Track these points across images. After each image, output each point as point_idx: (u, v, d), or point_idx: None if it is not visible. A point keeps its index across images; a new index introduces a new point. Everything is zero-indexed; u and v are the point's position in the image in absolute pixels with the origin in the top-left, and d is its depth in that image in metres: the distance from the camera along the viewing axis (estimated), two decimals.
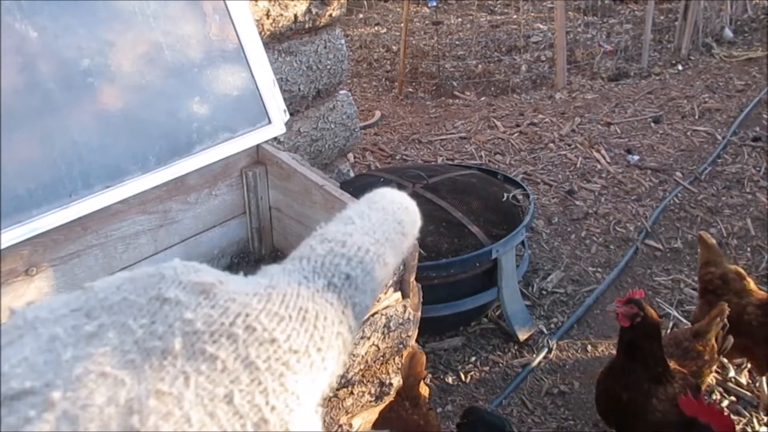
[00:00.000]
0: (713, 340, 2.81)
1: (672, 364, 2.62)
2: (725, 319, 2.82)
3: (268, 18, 3.34)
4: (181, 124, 2.51)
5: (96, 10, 2.31)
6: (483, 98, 6.87)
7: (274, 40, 3.49)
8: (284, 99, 3.16)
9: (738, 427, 2.98)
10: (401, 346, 2.65)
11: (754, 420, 3.01)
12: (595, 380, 2.83)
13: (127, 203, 2.46)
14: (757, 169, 5.00)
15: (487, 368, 3.37)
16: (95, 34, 2.30)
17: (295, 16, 3.49)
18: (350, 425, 2.69)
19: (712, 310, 2.84)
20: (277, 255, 3.03)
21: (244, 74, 2.72)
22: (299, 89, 3.61)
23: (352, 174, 4.34)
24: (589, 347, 3.48)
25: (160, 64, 2.46)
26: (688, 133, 5.62)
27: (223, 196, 2.83)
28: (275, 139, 3.21)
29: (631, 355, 2.55)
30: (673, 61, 7.30)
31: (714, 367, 2.90)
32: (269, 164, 2.86)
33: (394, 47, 8.21)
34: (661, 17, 8.27)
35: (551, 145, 5.54)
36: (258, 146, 2.84)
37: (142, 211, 2.54)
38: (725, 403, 3.10)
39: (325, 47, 3.76)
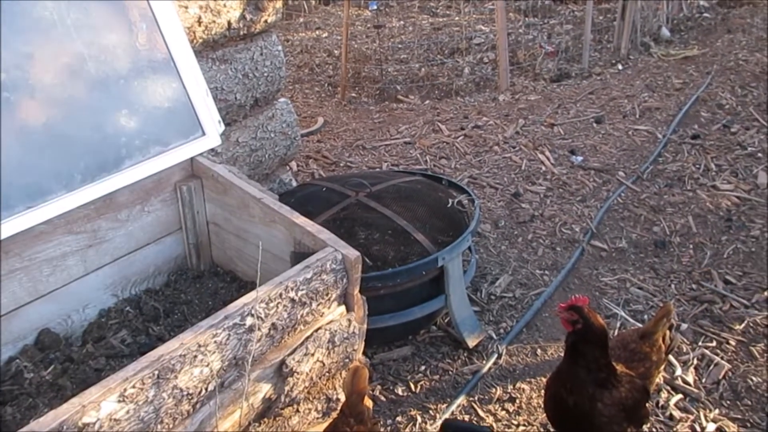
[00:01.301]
0: (660, 341, 2.80)
1: (619, 368, 2.60)
2: (672, 320, 2.82)
3: (200, 25, 3.24)
4: (108, 138, 2.40)
5: (11, 20, 2.19)
6: (427, 102, 6.85)
7: (208, 48, 3.39)
8: (220, 109, 3.06)
9: (686, 425, 3.00)
10: (347, 360, 2.58)
11: (702, 416, 3.03)
12: (544, 384, 2.81)
13: (52, 224, 2.34)
14: (697, 166, 5.07)
15: (437, 377, 3.32)
16: (11, 46, 2.17)
17: (229, 23, 3.39)
18: None
19: (659, 310, 2.84)
20: (216, 271, 2.93)
21: (174, 84, 2.62)
22: (236, 98, 3.51)
23: (294, 183, 4.25)
24: (539, 351, 3.46)
25: (84, 77, 2.35)
26: (630, 133, 5.69)
27: (156, 213, 2.72)
28: (211, 150, 3.11)
29: (575, 360, 2.53)
30: (613, 61, 7.40)
31: (662, 368, 2.90)
32: (204, 178, 2.76)
33: (336, 51, 8.15)
34: (600, 17, 8.38)
35: (496, 147, 5.54)
36: (192, 159, 2.74)
37: (69, 231, 2.41)
38: (673, 400, 3.11)
39: (262, 54, 3.67)
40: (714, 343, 3.42)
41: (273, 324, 2.21)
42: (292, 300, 2.25)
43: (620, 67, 7.27)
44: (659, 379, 3.19)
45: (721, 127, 5.65)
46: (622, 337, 2.88)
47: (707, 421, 3.01)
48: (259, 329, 2.14)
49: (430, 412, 3.12)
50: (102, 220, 2.51)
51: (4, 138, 2.12)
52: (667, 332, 2.84)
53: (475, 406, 3.14)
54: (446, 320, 3.59)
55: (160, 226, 2.75)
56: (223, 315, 2.08)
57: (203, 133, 2.69)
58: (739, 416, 3.03)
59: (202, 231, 2.87)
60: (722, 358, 3.33)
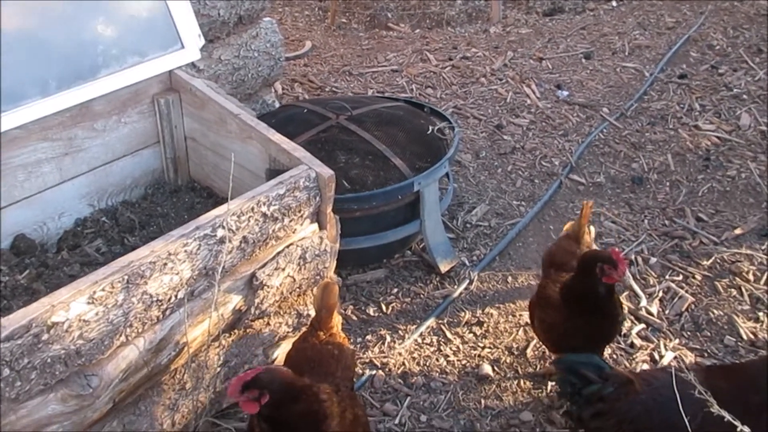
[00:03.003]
0: (588, 238, 3.02)
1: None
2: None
3: None
4: (84, 46, 2.39)
5: None
6: (417, 31, 6.77)
7: None
8: (202, 24, 3.03)
9: (646, 352, 3.10)
10: (318, 277, 2.64)
11: (662, 345, 3.13)
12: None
13: (27, 129, 2.35)
14: (681, 106, 5.07)
15: (408, 299, 3.40)
16: None
17: None
18: (267, 356, 2.69)
19: (581, 210, 2.98)
20: (193, 186, 2.95)
21: None
22: (219, 14, 3.46)
23: (277, 105, 4.24)
24: (510, 279, 3.54)
25: None
26: (617, 70, 5.66)
27: (133, 124, 2.72)
28: (193, 67, 3.10)
29: (608, 307, 2.66)
30: None
31: None
32: (183, 92, 2.75)
33: None
34: None
35: (483, 79, 5.51)
36: (171, 73, 2.73)
37: (44, 137, 2.42)
38: (636, 330, 3.20)
39: None
40: (680, 277, 3.51)
41: (244, 237, 2.25)
42: (264, 215, 2.28)
43: (614, 3, 7.17)
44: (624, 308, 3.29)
45: (709, 67, 5.62)
46: (561, 246, 3.02)
47: (666, 350, 3.12)
48: (230, 241, 2.19)
49: (399, 332, 3.20)
50: (78, 128, 2.52)
51: None
52: (587, 229, 3.04)
53: (444, 328, 3.23)
54: (421, 246, 3.65)
55: (137, 138, 2.76)
56: (194, 225, 2.12)
57: (182, 46, 2.68)
58: (697, 346, 3.13)
59: (180, 145, 2.88)
60: (687, 291, 3.42)
